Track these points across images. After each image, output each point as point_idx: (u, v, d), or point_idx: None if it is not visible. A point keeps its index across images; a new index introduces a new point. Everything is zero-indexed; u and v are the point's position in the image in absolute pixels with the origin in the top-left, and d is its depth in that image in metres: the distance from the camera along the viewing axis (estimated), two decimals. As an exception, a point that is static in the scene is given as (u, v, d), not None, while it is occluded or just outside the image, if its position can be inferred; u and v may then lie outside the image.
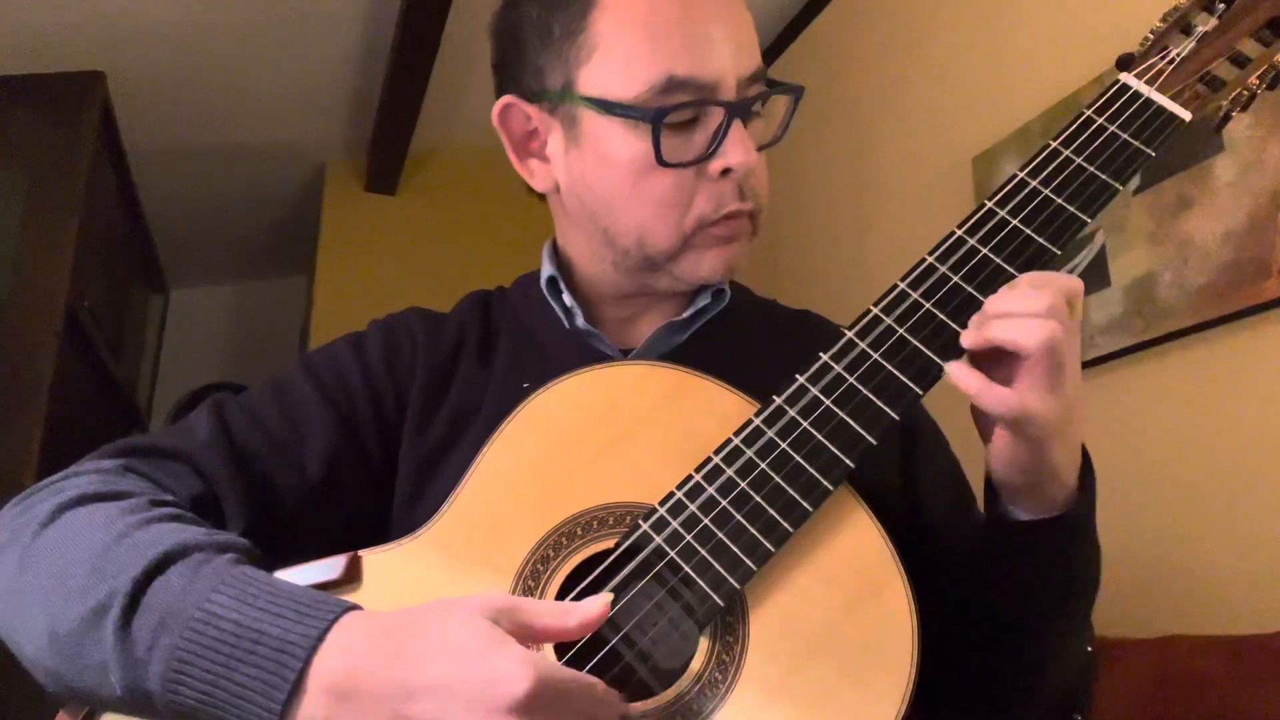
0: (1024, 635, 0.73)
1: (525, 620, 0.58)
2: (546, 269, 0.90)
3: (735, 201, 0.81)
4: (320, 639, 0.57)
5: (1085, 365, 1.62)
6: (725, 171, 0.80)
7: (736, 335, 0.89)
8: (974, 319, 0.67)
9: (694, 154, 0.79)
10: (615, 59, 0.79)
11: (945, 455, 0.91)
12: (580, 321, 0.87)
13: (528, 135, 0.86)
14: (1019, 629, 0.73)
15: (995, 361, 0.66)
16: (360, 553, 0.68)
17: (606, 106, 0.79)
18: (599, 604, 0.60)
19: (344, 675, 0.56)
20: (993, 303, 0.67)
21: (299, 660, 0.56)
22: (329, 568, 0.67)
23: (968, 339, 0.67)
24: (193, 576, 0.60)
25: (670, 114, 0.77)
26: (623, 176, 0.80)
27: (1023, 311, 0.64)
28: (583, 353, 0.86)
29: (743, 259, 0.85)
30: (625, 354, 0.88)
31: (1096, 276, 1.61)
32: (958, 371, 0.66)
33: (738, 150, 0.79)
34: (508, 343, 0.89)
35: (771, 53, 2.73)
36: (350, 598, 0.65)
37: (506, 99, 0.85)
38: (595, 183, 0.82)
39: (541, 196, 0.92)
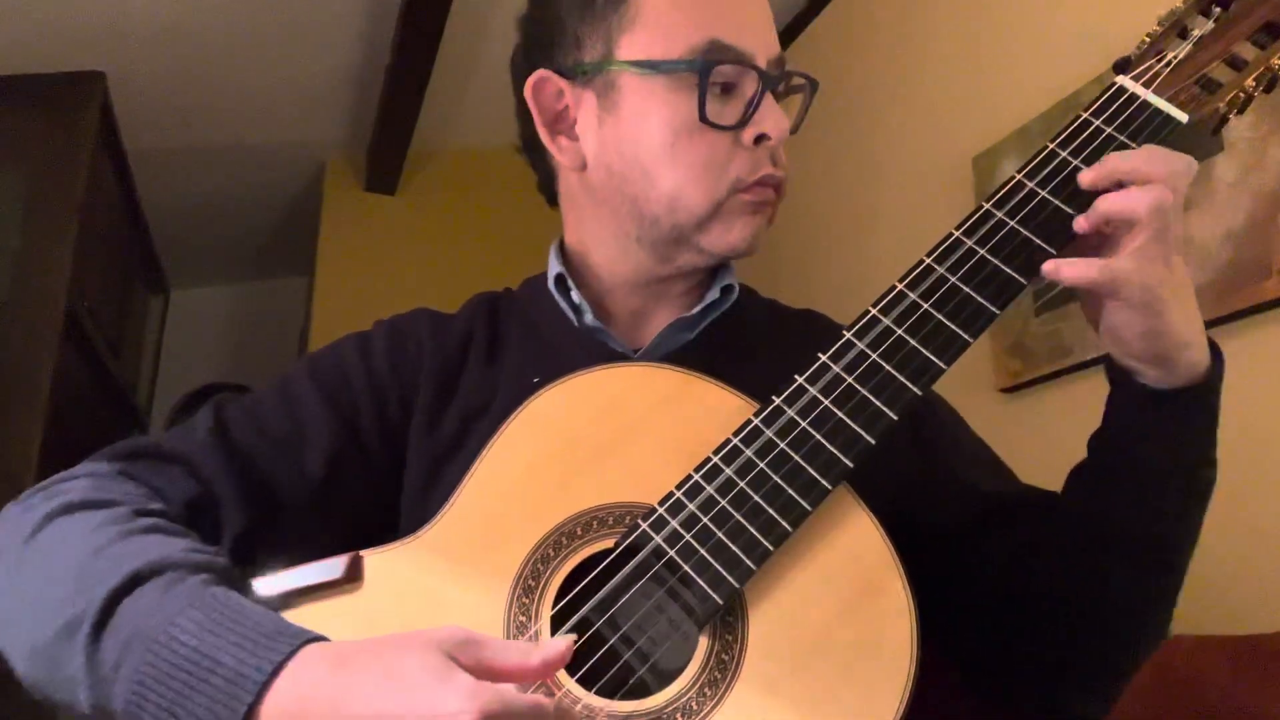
0: (1164, 530, 0.73)
1: (484, 657, 0.57)
2: (554, 267, 0.90)
3: (769, 166, 0.83)
4: (275, 672, 0.57)
5: (1085, 365, 1.63)
6: (759, 140, 0.82)
7: (742, 334, 0.89)
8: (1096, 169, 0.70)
9: (731, 116, 0.82)
10: (659, 24, 0.82)
11: (964, 427, 0.91)
12: (589, 319, 0.87)
13: (558, 114, 0.87)
14: (1160, 523, 0.73)
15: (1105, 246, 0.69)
16: (362, 553, 0.68)
17: (651, 66, 0.81)
18: (562, 643, 0.59)
19: (295, 708, 0.56)
20: (1113, 161, 0.70)
21: (249, 694, 0.56)
22: (330, 568, 0.67)
23: (1086, 219, 0.69)
24: (161, 597, 0.61)
25: (716, 69, 0.80)
26: (661, 138, 0.82)
27: (1137, 170, 0.68)
28: (593, 350, 0.86)
29: (764, 234, 0.86)
30: (635, 352, 0.88)
31: (1096, 276, 1.61)
32: (1054, 266, 0.69)
33: (772, 118, 0.82)
34: (516, 341, 0.89)
35: (771, 53, 2.74)
36: (350, 598, 0.66)
37: (540, 73, 0.86)
38: (630, 148, 0.83)
39: (552, 201, 0.93)
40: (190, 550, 0.66)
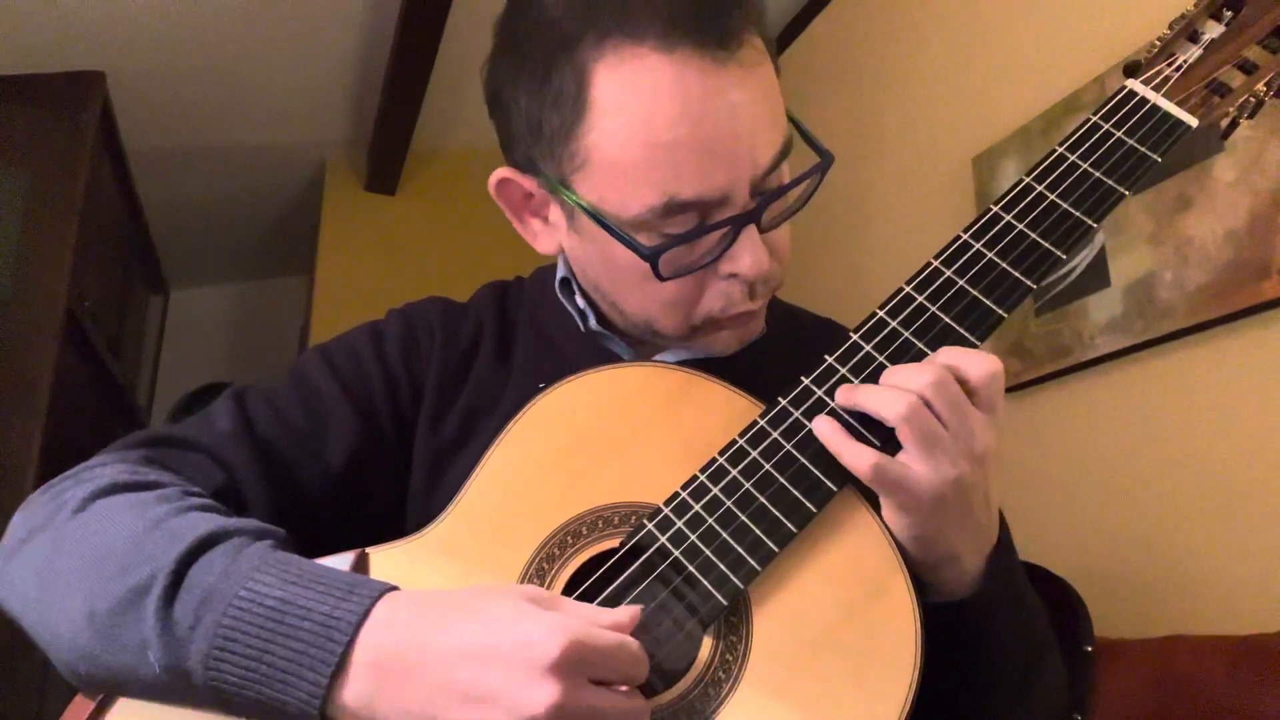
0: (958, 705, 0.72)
1: (559, 607, 0.59)
2: (560, 269, 0.89)
3: (744, 303, 0.77)
4: (365, 615, 0.58)
5: (1085, 365, 1.63)
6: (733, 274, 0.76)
7: (760, 345, 0.86)
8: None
9: (701, 253, 0.74)
10: (610, 176, 0.72)
11: None
12: (593, 324, 0.86)
13: (525, 199, 0.81)
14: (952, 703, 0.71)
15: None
16: (368, 550, 0.69)
17: (602, 222, 0.73)
18: (630, 612, 0.61)
19: (388, 650, 0.57)
20: (888, 374, 0.67)
21: (345, 635, 0.57)
22: (337, 564, 0.67)
23: (839, 396, 0.68)
24: (234, 558, 0.61)
25: (669, 249, 0.72)
26: (624, 276, 0.77)
27: (898, 384, 0.65)
28: (599, 356, 0.85)
29: (760, 323, 0.82)
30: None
31: (1096, 276, 1.61)
32: (820, 424, 0.67)
33: (745, 258, 0.73)
34: (525, 342, 0.88)
35: (771, 53, 2.74)
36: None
37: (501, 174, 0.80)
38: (599, 270, 0.80)
39: None
40: (248, 520, 0.67)
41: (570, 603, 0.60)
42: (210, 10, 2.44)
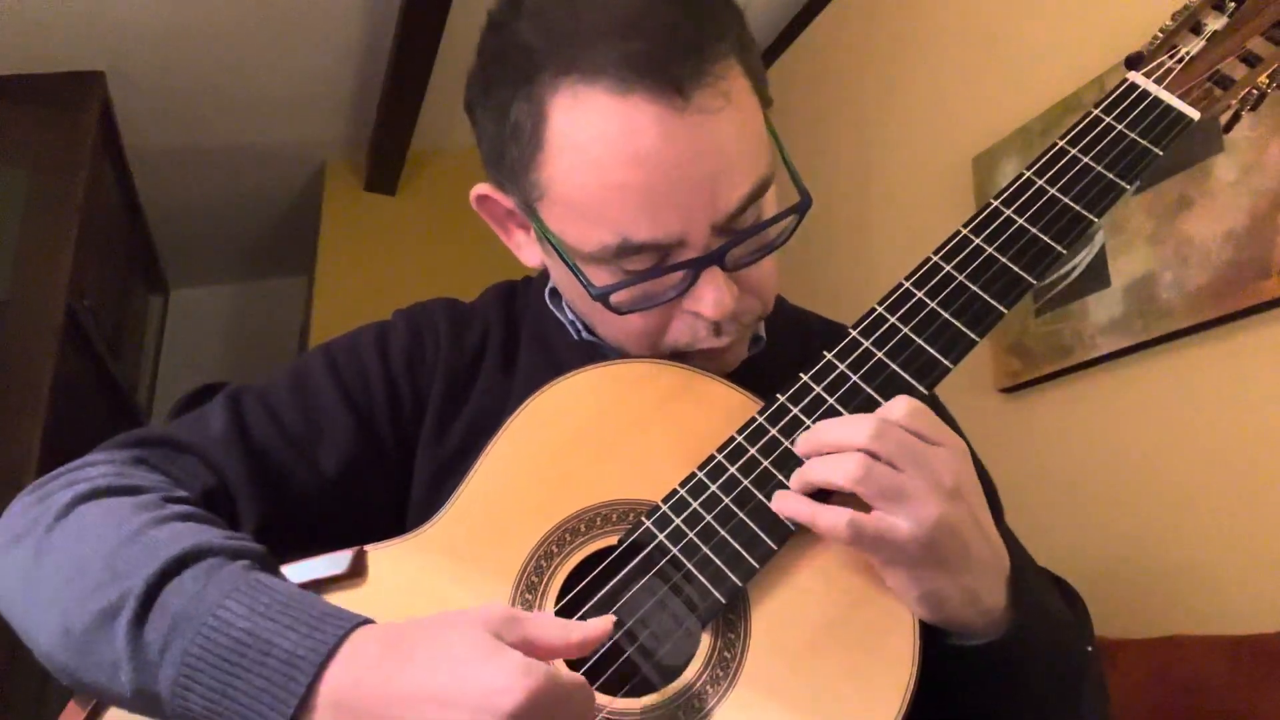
0: None
1: (528, 634, 0.58)
2: (550, 278, 0.88)
3: (710, 340, 0.75)
4: (331, 654, 0.57)
5: (1085, 365, 1.63)
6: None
7: (766, 350, 0.86)
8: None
9: (662, 290, 0.73)
10: (567, 212, 0.72)
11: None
12: (585, 334, 0.85)
13: (508, 212, 0.82)
14: None
15: None
16: (366, 548, 0.68)
17: (560, 254, 0.74)
18: (602, 624, 0.60)
19: (351, 689, 0.56)
20: (811, 435, 0.66)
21: (307, 675, 0.56)
22: (335, 562, 0.67)
23: (794, 481, 0.66)
24: (206, 581, 0.60)
25: (620, 289, 0.72)
26: (592, 303, 0.75)
27: (839, 441, 0.64)
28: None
29: (734, 361, 0.80)
30: None
31: (1096, 276, 1.61)
32: (780, 502, 0.66)
33: (707, 300, 0.72)
34: (528, 353, 0.87)
35: (772, 52, 2.74)
36: (355, 592, 0.66)
37: (481, 190, 0.81)
38: (571, 292, 0.80)
39: None
40: (227, 536, 0.66)
41: (539, 622, 0.59)
42: (210, 10, 2.44)
